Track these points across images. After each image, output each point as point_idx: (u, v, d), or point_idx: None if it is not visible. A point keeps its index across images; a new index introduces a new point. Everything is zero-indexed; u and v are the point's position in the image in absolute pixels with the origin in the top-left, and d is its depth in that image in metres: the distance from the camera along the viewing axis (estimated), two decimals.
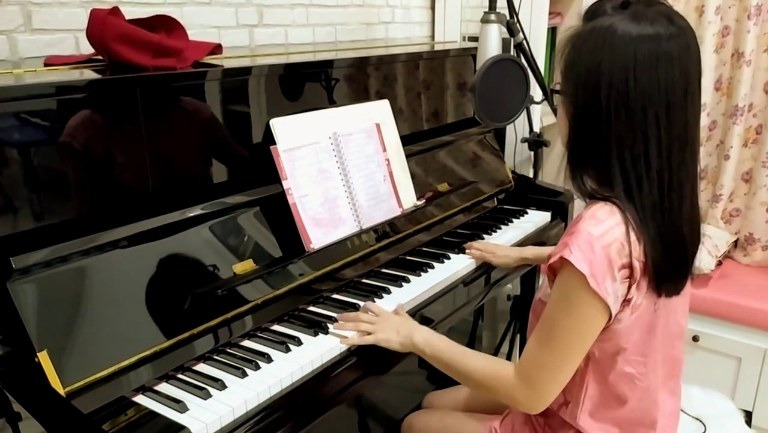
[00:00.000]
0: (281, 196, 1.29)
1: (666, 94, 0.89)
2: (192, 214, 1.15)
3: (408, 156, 1.60)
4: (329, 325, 1.18)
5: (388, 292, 1.32)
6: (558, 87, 0.99)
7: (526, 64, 1.71)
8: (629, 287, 0.92)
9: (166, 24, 1.29)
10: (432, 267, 1.45)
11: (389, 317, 1.18)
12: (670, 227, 0.92)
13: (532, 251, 1.55)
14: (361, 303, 1.27)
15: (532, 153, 2.08)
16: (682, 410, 1.26)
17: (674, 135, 0.91)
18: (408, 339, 1.13)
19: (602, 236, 0.90)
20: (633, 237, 0.90)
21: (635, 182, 0.91)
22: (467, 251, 1.52)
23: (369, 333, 1.13)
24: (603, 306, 0.91)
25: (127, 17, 1.22)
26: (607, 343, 0.97)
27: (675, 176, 0.92)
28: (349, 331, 1.14)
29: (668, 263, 0.93)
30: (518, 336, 2.15)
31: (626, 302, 0.93)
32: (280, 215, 1.29)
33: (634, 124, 0.90)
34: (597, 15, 0.93)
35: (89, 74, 1.16)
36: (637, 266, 0.91)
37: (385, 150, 1.53)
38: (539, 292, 1.07)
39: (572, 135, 0.98)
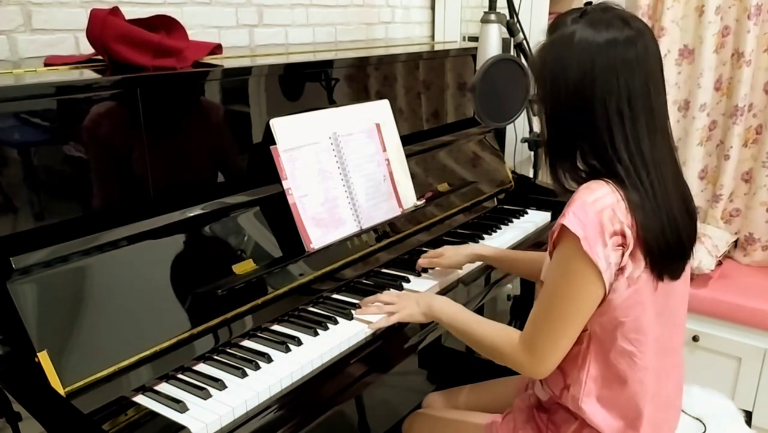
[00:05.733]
0: (281, 196, 1.29)
1: (627, 91, 0.95)
2: (192, 214, 1.15)
3: (408, 156, 1.60)
4: (329, 324, 1.18)
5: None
6: (532, 97, 1.06)
7: (526, 65, 1.71)
8: (622, 255, 0.95)
9: (166, 24, 1.29)
10: (432, 267, 1.45)
11: (408, 294, 1.26)
12: (659, 208, 0.96)
13: (488, 250, 1.45)
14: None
15: (532, 153, 2.08)
16: (682, 410, 1.26)
17: (640, 124, 0.96)
18: (428, 308, 1.19)
19: (595, 202, 0.94)
20: (624, 205, 0.94)
21: (613, 170, 0.96)
22: (418, 262, 1.42)
23: (392, 313, 1.19)
24: (596, 271, 0.94)
25: (127, 17, 1.22)
26: (606, 316, 0.99)
27: (650, 161, 0.96)
28: (373, 316, 1.20)
29: (663, 245, 0.96)
30: None
31: (620, 270, 0.96)
32: (280, 215, 1.29)
33: (596, 121, 0.96)
34: (558, 27, 1.00)
35: (89, 74, 1.16)
36: (629, 233, 0.93)
37: (385, 150, 1.53)
38: (542, 274, 1.09)
39: (547, 136, 1.04)
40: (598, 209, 0.93)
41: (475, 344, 1.13)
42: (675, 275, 1.01)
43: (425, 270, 1.43)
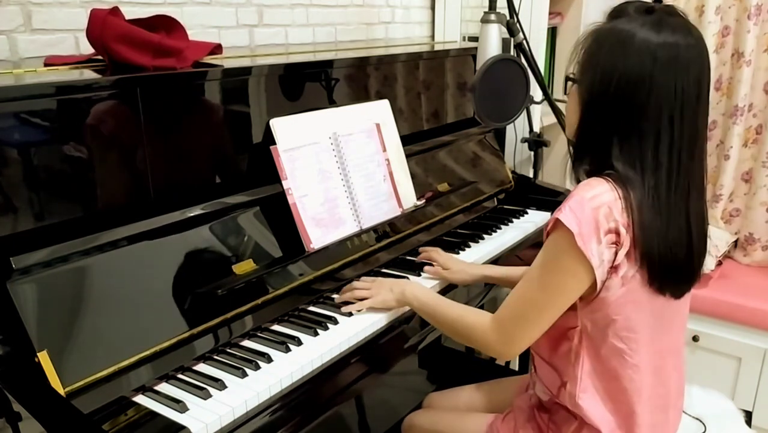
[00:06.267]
0: (281, 196, 1.29)
1: (681, 98, 0.94)
2: (192, 214, 1.15)
3: (408, 156, 1.60)
4: (329, 325, 1.18)
5: None
6: (572, 76, 1.03)
7: (526, 64, 1.71)
8: (616, 253, 0.94)
9: (166, 24, 1.28)
10: (432, 267, 1.45)
11: (382, 280, 1.27)
12: (676, 226, 0.96)
13: (499, 271, 1.42)
14: None
15: (532, 153, 2.08)
16: (682, 410, 1.26)
17: (685, 137, 0.95)
18: (401, 294, 1.21)
19: (592, 199, 0.94)
20: (621, 204, 0.94)
21: (638, 176, 0.95)
22: (425, 268, 1.42)
23: (366, 299, 1.22)
24: (587, 267, 0.94)
25: (127, 17, 1.22)
26: (598, 313, 0.99)
27: (682, 177, 0.96)
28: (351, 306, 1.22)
29: (671, 262, 0.96)
30: None
31: (614, 269, 0.95)
32: (280, 215, 1.29)
33: (647, 123, 0.94)
34: (620, 15, 0.98)
35: (89, 74, 1.16)
36: (624, 232, 0.93)
37: (385, 150, 1.53)
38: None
39: (581, 123, 1.02)
40: (595, 206, 0.93)
41: (447, 326, 1.15)
42: (677, 294, 1.01)
43: (424, 271, 1.43)
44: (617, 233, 0.93)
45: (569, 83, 1.05)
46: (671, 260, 0.96)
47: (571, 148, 1.06)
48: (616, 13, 1.00)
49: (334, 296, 1.31)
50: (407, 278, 1.38)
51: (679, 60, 0.93)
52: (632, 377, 1.02)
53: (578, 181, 1.02)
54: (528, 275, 1.02)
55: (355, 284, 1.28)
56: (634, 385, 1.03)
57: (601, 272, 0.94)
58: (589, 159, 1.01)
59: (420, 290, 1.23)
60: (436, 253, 1.44)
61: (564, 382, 1.07)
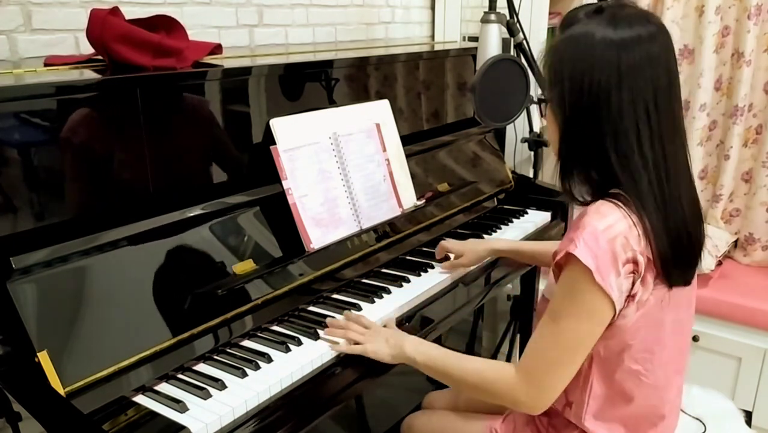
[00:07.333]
0: (281, 196, 1.29)
1: (653, 88, 0.91)
2: (192, 214, 1.15)
3: (408, 156, 1.60)
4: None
5: (388, 292, 1.32)
6: (544, 97, 1.02)
7: (526, 64, 1.71)
8: (633, 283, 0.92)
9: (166, 24, 1.29)
10: (432, 267, 1.45)
11: (379, 329, 1.16)
12: (673, 217, 0.93)
13: (506, 244, 1.48)
14: (362, 303, 1.27)
15: (532, 153, 2.08)
16: (682, 410, 1.26)
17: (664, 125, 0.93)
18: (398, 349, 1.11)
19: (607, 230, 0.90)
20: (636, 232, 0.91)
21: (634, 177, 0.92)
22: (441, 265, 1.44)
23: (358, 343, 1.12)
24: (608, 301, 0.91)
25: (127, 17, 1.22)
26: (612, 340, 0.97)
27: (671, 166, 0.94)
28: (339, 338, 1.13)
29: (675, 253, 0.93)
30: (518, 336, 2.14)
31: (630, 297, 0.93)
32: (280, 215, 1.29)
33: (624, 121, 0.92)
34: (573, 23, 0.96)
35: (89, 74, 1.16)
36: (641, 260, 0.91)
37: (385, 150, 1.53)
38: (545, 290, 1.07)
39: (563, 141, 0.99)
40: (611, 237, 0.89)
41: (460, 382, 1.06)
42: (687, 281, 0.99)
43: (425, 271, 1.43)
44: (635, 262, 0.91)
45: (544, 105, 1.02)
46: (676, 252, 0.94)
47: (558, 165, 1.02)
48: (568, 22, 0.97)
49: (336, 295, 1.31)
50: (407, 277, 1.38)
51: (643, 51, 0.90)
52: (648, 395, 1.01)
53: (572, 196, 0.99)
54: (549, 317, 0.96)
55: (351, 325, 1.15)
56: (648, 402, 1.01)
57: (620, 303, 0.92)
58: (587, 172, 0.97)
59: (420, 344, 1.12)
60: (448, 243, 1.46)
61: (570, 402, 1.05)
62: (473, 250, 1.45)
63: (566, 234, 0.96)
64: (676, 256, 0.94)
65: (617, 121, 0.91)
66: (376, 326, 1.17)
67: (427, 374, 1.10)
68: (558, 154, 1.01)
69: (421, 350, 1.10)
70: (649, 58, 0.90)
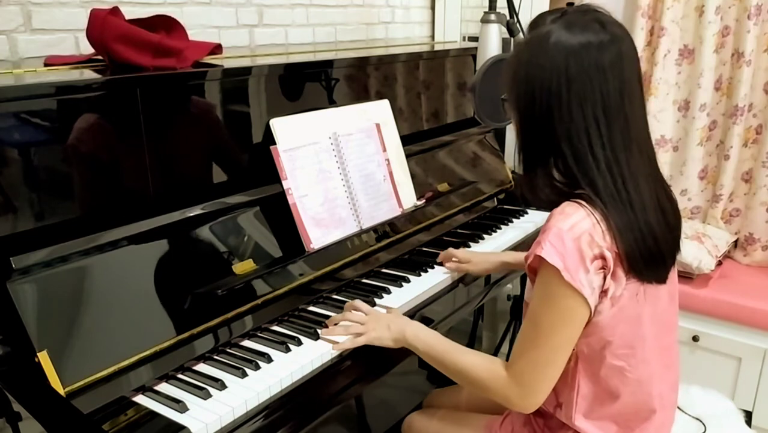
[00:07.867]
0: (281, 196, 1.29)
1: (601, 98, 0.92)
2: (192, 214, 1.15)
3: (408, 156, 1.60)
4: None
5: (388, 292, 1.32)
6: (504, 97, 1.03)
7: None
8: (604, 278, 0.94)
9: (166, 24, 1.29)
10: (432, 267, 1.45)
11: (379, 315, 1.16)
12: (636, 219, 0.94)
13: (512, 256, 1.47)
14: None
15: None
16: (682, 410, 1.26)
17: (615, 132, 0.94)
18: (400, 334, 1.11)
19: (571, 229, 0.92)
20: (600, 228, 0.92)
21: (590, 177, 0.94)
22: (445, 264, 1.44)
23: (360, 334, 1.12)
24: (580, 298, 0.92)
25: (127, 17, 1.22)
26: (592, 337, 0.98)
27: (626, 170, 0.94)
28: (340, 336, 1.12)
29: (642, 252, 0.94)
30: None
31: (603, 293, 0.95)
32: (280, 215, 1.29)
33: (575, 123, 0.93)
34: (537, 26, 0.97)
35: (89, 74, 1.16)
36: (609, 255, 0.92)
37: (385, 150, 1.53)
38: (526, 294, 1.08)
39: (522, 140, 1.01)
40: (576, 236, 0.91)
41: (456, 374, 1.08)
42: (660, 279, 1.00)
43: (425, 271, 1.43)
44: (603, 258, 0.92)
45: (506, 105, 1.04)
46: (646, 253, 0.94)
47: (522, 167, 1.04)
48: (534, 25, 0.99)
49: (336, 295, 1.31)
50: (407, 277, 1.38)
51: (591, 58, 0.91)
52: (634, 391, 1.02)
53: (538, 197, 1.01)
54: (529, 319, 0.99)
55: (348, 315, 1.16)
56: (635, 398, 1.02)
57: (593, 299, 0.93)
58: (542, 173, 0.99)
59: (423, 330, 1.12)
60: (454, 251, 1.45)
61: (560, 403, 1.06)
62: (484, 260, 1.45)
63: (536, 238, 0.97)
64: (642, 255, 0.95)
65: (568, 122, 0.93)
66: (374, 311, 1.18)
67: (426, 361, 1.12)
68: (519, 153, 1.04)
69: (421, 338, 1.11)
70: (596, 66, 0.91)
